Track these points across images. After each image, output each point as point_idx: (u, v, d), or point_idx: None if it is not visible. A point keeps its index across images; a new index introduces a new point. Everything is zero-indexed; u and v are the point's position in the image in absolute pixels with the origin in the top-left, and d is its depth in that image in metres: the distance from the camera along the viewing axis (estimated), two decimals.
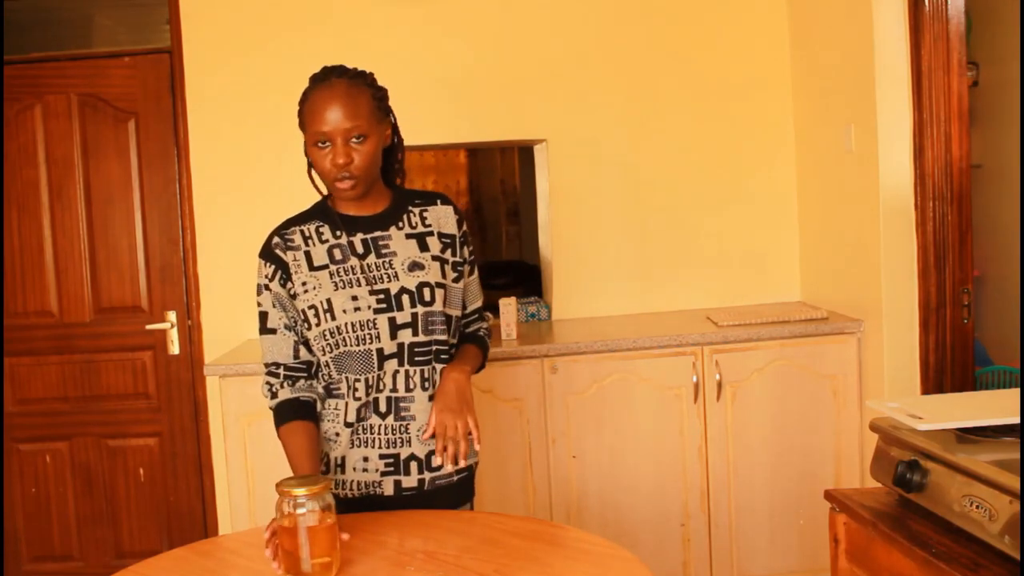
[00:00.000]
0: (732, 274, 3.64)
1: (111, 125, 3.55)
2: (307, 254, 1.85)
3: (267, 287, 1.86)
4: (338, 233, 1.86)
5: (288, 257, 1.85)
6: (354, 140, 1.78)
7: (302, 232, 1.87)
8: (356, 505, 1.87)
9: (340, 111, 1.76)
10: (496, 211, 5.13)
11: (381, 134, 1.83)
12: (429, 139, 3.54)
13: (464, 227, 1.96)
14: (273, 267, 1.85)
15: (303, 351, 1.87)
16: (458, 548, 1.68)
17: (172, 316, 3.58)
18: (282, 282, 1.85)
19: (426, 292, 1.84)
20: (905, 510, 1.66)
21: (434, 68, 3.51)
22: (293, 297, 1.84)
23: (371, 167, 1.81)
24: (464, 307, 1.99)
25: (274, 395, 1.87)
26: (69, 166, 3.55)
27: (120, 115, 3.55)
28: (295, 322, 1.86)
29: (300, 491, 1.52)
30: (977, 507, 1.45)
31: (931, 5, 2.77)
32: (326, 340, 1.83)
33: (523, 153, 4.46)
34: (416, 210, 1.92)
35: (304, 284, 1.83)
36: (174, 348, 3.58)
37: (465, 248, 1.96)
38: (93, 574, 3.58)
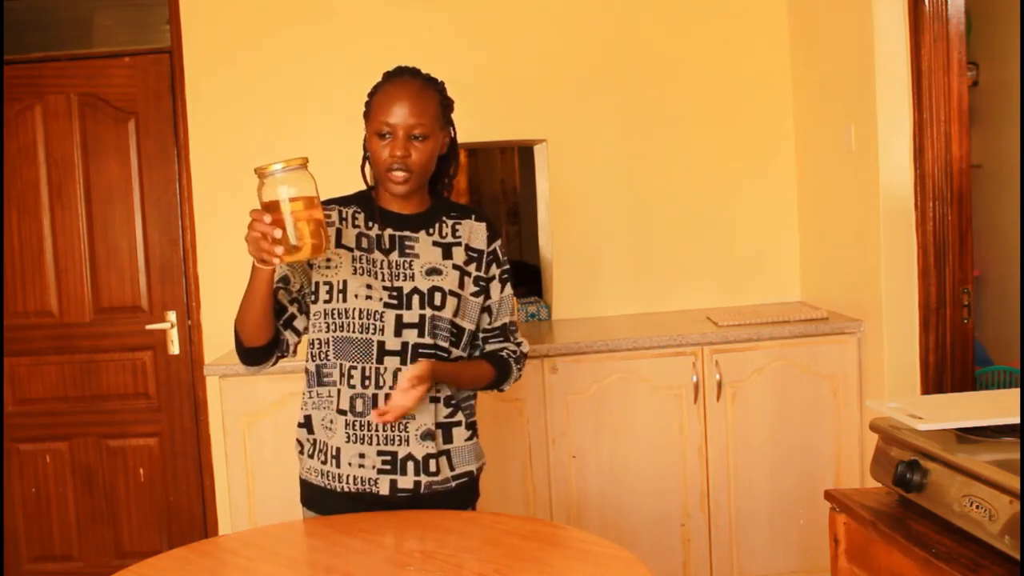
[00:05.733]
0: (732, 274, 3.64)
1: (111, 125, 3.55)
2: (338, 232, 1.89)
3: None
4: (371, 224, 1.91)
5: None
6: (415, 137, 1.83)
7: (340, 212, 1.91)
8: (352, 501, 1.88)
9: (408, 107, 1.83)
10: (496, 211, 5.12)
11: (440, 140, 1.89)
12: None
13: (496, 244, 1.98)
14: None
15: (282, 295, 1.87)
16: (458, 548, 1.68)
17: (172, 316, 3.58)
18: None
19: (437, 296, 1.86)
20: (905, 510, 1.66)
21: (434, 68, 3.48)
22: (310, 266, 1.88)
23: (426, 166, 1.87)
24: (485, 327, 1.99)
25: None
26: (69, 166, 3.55)
27: (120, 115, 3.55)
28: (294, 283, 1.87)
29: (277, 165, 1.57)
30: (977, 507, 1.45)
31: (931, 5, 2.77)
32: (331, 319, 1.86)
33: (523, 153, 4.45)
34: (450, 221, 1.95)
35: (328, 260, 1.86)
36: (174, 348, 3.58)
37: (494, 266, 1.97)
38: (93, 574, 3.58)
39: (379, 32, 3.51)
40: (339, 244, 1.88)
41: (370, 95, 1.90)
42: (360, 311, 1.84)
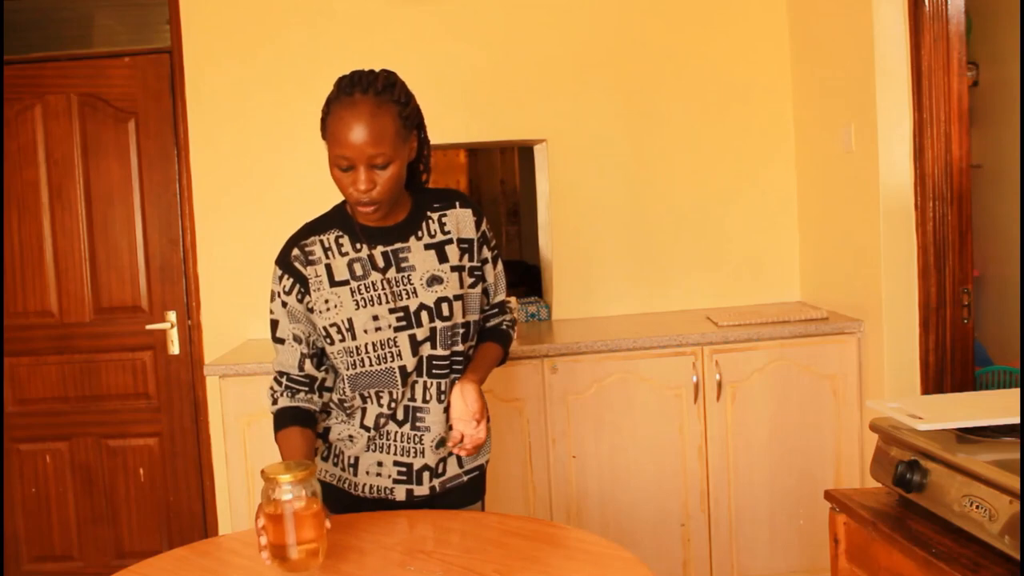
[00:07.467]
0: (732, 274, 3.64)
1: (111, 125, 3.55)
2: (328, 268, 1.80)
3: (282, 299, 1.82)
4: (358, 246, 1.82)
5: (308, 272, 1.80)
6: (376, 166, 1.70)
7: (322, 243, 1.82)
8: (367, 506, 1.89)
9: (364, 135, 1.67)
10: (496, 211, 5.13)
11: (406, 153, 1.76)
12: (429, 139, 3.54)
13: (483, 226, 1.93)
14: (292, 280, 1.81)
15: (308, 365, 1.84)
16: (458, 548, 1.68)
17: (172, 316, 3.58)
18: (299, 297, 1.81)
19: (444, 307, 1.83)
20: (905, 510, 1.66)
21: (435, 68, 3.51)
22: (311, 311, 1.81)
23: (394, 190, 1.75)
24: (484, 307, 1.98)
25: (274, 402, 1.86)
26: (69, 166, 3.55)
27: (120, 115, 3.55)
28: (307, 334, 1.83)
29: (285, 477, 1.52)
30: (977, 507, 1.45)
31: (931, 5, 2.77)
32: (345, 357, 1.81)
33: (523, 153, 4.46)
34: (435, 216, 1.87)
35: (327, 302, 1.79)
36: (174, 348, 3.58)
37: (485, 248, 1.93)
38: (93, 574, 3.58)
39: (379, 32, 3.51)
40: (333, 283, 1.80)
41: (324, 113, 1.74)
42: (373, 344, 1.79)
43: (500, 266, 1.99)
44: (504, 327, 2.03)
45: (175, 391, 3.60)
